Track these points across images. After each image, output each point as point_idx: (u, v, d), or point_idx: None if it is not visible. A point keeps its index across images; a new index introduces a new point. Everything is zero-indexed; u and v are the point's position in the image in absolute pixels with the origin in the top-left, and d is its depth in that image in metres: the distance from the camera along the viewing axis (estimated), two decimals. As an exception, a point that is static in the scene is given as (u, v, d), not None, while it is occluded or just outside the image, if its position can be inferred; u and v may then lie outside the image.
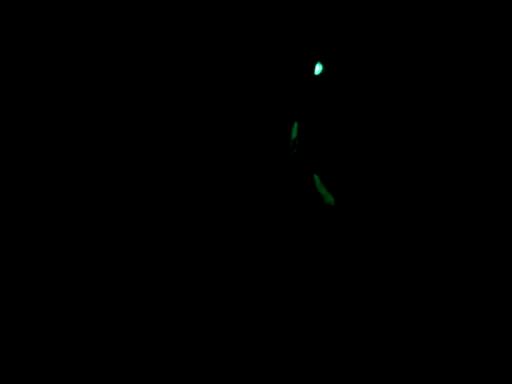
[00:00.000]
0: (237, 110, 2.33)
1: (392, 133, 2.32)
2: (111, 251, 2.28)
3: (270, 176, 2.32)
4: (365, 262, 2.28)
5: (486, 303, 2.23)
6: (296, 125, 1.99)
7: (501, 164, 2.29)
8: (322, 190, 2.04)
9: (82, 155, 2.31)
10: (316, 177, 2.03)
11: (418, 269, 2.27)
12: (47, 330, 2.23)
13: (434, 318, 2.24)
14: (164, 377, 2.21)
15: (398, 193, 2.31)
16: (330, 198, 2.07)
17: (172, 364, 2.22)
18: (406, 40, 2.33)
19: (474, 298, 2.24)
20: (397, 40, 2.33)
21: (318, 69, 1.85)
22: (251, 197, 2.31)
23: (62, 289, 2.25)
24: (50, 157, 2.31)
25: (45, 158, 2.30)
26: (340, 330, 2.25)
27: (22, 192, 2.29)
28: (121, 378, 2.20)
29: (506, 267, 2.24)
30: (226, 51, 2.33)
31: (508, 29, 2.30)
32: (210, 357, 2.23)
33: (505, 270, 2.24)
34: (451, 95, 2.33)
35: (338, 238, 2.30)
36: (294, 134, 2.02)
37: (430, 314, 2.24)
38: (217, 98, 2.34)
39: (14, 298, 2.24)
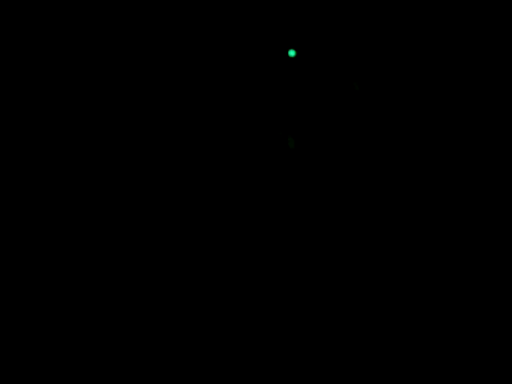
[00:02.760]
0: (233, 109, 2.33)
1: (390, 131, 2.33)
2: (111, 251, 2.28)
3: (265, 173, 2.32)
4: (365, 262, 2.28)
5: (485, 303, 2.23)
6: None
7: (501, 164, 2.29)
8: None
9: (82, 155, 2.32)
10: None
11: (417, 268, 2.27)
12: (47, 329, 2.23)
13: (433, 318, 2.24)
14: (164, 377, 2.21)
15: (397, 192, 2.31)
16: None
17: (172, 364, 2.22)
18: (404, 38, 2.33)
19: (474, 298, 2.24)
20: (394, 38, 2.33)
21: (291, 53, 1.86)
22: (249, 195, 2.32)
23: (62, 289, 2.26)
24: (50, 157, 2.31)
25: (45, 158, 2.31)
26: (340, 330, 2.25)
27: (22, 192, 2.29)
28: (121, 378, 2.20)
29: (506, 267, 2.24)
30: (224, 51, 2.33)
31: (508, 29, 2.30)
32: (210, 357, 2.23)
33: (505, 270, 2.24)
34: (449, 94, 2.33)
35: (338, 237, 2.30)
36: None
37: (429, 314, 2.24)
38: (213, 97, 2.34)
39: (14, 298, 2.24)
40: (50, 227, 2.27)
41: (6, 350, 2.19)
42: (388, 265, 2.27)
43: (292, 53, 1.98)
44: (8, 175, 2.28)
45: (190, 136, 2.33)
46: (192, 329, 2.24)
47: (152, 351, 2.22)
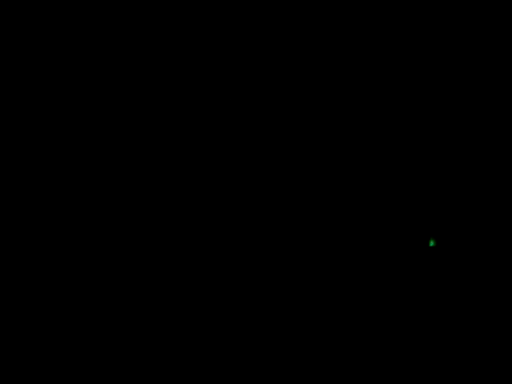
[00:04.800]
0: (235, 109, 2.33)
1: (390, 131, 2.33)
2: (111, 251, 2.28)
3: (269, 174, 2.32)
4: (365, 263, 2.28)
5: (485, 303, 2.24)
6: None
7: (501, 164, 2.29)
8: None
9: (82, 155, 2.32)
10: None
11: (418, 269, 2.28)
12: (47, 329, 2.23)
13: (433, 319, 2.24)
14: (164, 377, 2.21)
15: (398, 192, 2.31)
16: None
17: (172, 364, 2.22)
18: (405, 39, 2.33)
19: (474, 298, 2.24)
20: (394, 39, 2.33)
21: None
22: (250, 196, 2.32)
23: (62, 289, 2.26)
24: (50, 157, 2.31)
25: (45, 158, 2.31)
26: (340, 330, 2.25)
27: (22, 192, 2.29)
28: (121, 378, 2.21)
29: (506, 267, 2.24)
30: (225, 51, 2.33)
31: (508, 29, 2.31)
32: (210, 357, 2.23)
33: (505, 270, 2.24)
34: (450, 95, 2.33)
35: (338, 237, 2.30)
36: None
37: (429, 314, 2.25)
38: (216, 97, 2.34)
39: (14, 298, 2.24)
40: (50, 227, 2.27)
41: (5, 350, 2.19)
42: (388, 265, 2.27)
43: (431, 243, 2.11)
44: (8, 175, 2.28)
45: (190, 136, 2.33)
46: (192, 329, 2.24)
47: (152, 351, 2.22)
